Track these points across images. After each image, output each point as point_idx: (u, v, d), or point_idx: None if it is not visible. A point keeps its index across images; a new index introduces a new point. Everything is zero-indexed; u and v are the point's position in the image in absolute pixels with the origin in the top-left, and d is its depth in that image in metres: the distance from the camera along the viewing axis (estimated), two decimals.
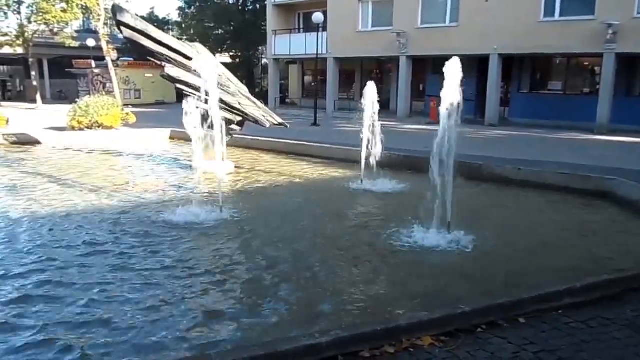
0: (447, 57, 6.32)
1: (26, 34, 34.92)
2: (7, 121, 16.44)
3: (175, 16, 48.49)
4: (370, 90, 9.40)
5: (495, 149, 14.86)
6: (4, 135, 14.87)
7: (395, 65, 27.70)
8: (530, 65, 24.92)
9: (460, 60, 6.09)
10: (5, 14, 34.54)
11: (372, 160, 9.32)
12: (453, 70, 5.97)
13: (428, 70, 27.39)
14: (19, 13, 34.75)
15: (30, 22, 34.83)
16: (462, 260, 5.57)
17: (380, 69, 31.26)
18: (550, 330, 3.91)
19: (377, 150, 9.32)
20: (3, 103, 26.21)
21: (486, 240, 6.07)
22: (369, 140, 9.35)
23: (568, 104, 23.01)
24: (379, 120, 9.41)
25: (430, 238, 6.03)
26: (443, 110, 6.04)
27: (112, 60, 32.74)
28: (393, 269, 5.38)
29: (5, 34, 35.02)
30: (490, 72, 22.94)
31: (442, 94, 6.04)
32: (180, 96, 10.20)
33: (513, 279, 5.08)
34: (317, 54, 24.79)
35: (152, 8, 61.33)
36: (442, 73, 6.04)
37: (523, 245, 6.23)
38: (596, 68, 22.85)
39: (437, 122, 6.25)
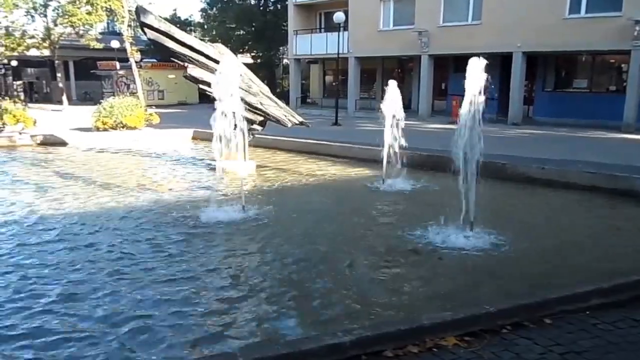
0: (470, 56, 6.25)
1: (52, 37, 35.62)
2: (35, 122, 16.78)
3: (197, 17, 49.05)
4: (392, 89, 9.34)
5: (519, 147, 14.63)
6: (31, 136, 15.20)
7: (416, 64, 27.53)
8: (555, 63, 24.55)
9: (483, 58, 6.02)
10: (32, 17, 35.30)
11: (394, 160, 9.28)
12: (476, 69, 5.89)
13: (450, 69, 27.18)
14: (46, 16, 35.49)
15: (56, 25, 35.52)
16: (486, 259, 5.51)
17: (401, 68, 31.11)
18: (577, 332, 3.84)
19: (399, 150, 9.28)
20: (30, 104, 26.69)
21: (510, 240, 5.99)
22: (390, 140, 9.29)
23: (594, 102, 22.59)
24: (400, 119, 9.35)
25: (453, 237, 5.98)
26: (465, 109, 5.96)
27: (136, 62, 33.17)
28: (416, 269, 5.33)
29: (32, 37, 35.77)
30: (514, 70, 22.65)
31: (465, 92, 5.97)
32: (203, 97, 10.28)
33: (538, 279, 5.01)
34: (338, 54, 24.77)
35: (175, 9, 62.13)
36: (465, 72, 5.98)
37: (548, 244, 6.13)
38: (623, 65, 22.41)
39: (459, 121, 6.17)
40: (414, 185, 9.21)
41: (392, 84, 9.36)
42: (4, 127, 15.38)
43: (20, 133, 15.48)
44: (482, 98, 5.91)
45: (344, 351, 3.37)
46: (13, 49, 35.57)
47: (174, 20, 43.74)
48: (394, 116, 9.21)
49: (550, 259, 5.60)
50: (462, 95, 6.05)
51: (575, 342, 3.68)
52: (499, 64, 23.26)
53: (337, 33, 24.97)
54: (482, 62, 5.86)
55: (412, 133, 9.39)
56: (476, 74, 5.84)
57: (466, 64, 6.00)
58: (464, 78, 5.98)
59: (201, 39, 16.80)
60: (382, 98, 9.64)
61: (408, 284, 4.93)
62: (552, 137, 18.31)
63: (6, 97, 19.57)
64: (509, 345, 3.63)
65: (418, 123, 22.10)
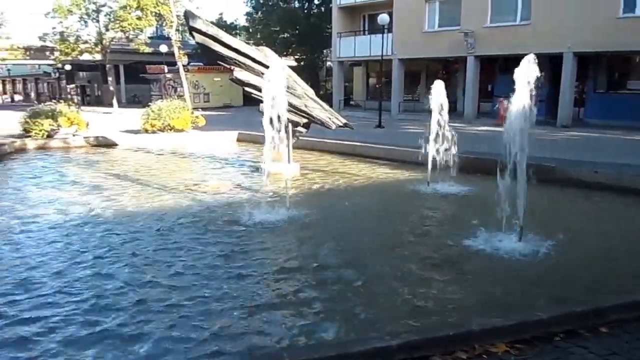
0: (517, 57, 6.12)
1: (104, 41, 36.85)
2: (87, 125, 17.34)
3: (242, 21, 49.77)
4: (438, 89, 9.17)
5: (569, 150, 14.18)
6: (84, 138, 15.75)
7: (462, 65, 27.11)
8: (607, 64, 23.68)
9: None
10: (85, 22, 36.59)
11: (439, 162, 9.15)
12: (526, 70, 5.75)
13: (496, 70, 26.63)
14: (98, 21, 36.74)
15: (108, 30, 36.74)
16: (536, 265, 5.37)
17: (446, 70, 30.65)
18: (634, 341, 3.70)
19: (445, 152, 9.12)
20: (83, 107, 27.68)
21: (561, 245, 5.80)
22: (435, 142, 9.14)
23: None
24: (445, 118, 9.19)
25: (502, 242, 5.86)
26: (514, 110, 5.82)
27: (183, 65, 33.91)
28: (463, 274, 5.24)
29: (85, 42, 37.10)
30: (564, 71, 22.00)
31: (515, 93, 5.82)
32: (247, 99, 10.41)
33: (591, 285, 4.87)
34: (382, 55, 24.66)
35: (221, 14, 62.99)
36: (513, 73, 5.84)
37: (601, 250, 5.94)
38: None
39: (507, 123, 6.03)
40: (459, 189, 9.03)
41: (439, 84, 9.23)
42: (58, 129, 15.94)
43: (73, 135, 16.04)
44: (533, 99, 5.76)
45: (391, 354, 3.35)
46: (67, 54, 37.02)
47: (220, 23, 44.50)
48: (439, 118, 9.08)
49: (602, 266, 5.44)
50: (509, 97, 5.92)
51: (632, 352, 3.54)
52: (548, 65, 22.59)
53: (381, 35, 24.86)
54: (533, 62, 5.73)
55: (458, 135, 9.23)
56: (527, 74, 5.71)
57: (513, 65, 5.88)
58: (512, 79, 5.85)
59: (246, 42, 17.00)
60: (426, 99, 9.50)
61: (456, 289, 4.85)
62: (604, 140, 17.67)
63: (60, 100, 20.28)
64: (562, 353, 3.53)
65: (463, 125, 21.74)
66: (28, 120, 15.95)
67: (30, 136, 15.54)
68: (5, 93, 70.30)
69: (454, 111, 23.74)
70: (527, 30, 22.70)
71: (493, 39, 23.83)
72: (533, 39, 21.63)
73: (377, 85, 32.27)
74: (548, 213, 7.43)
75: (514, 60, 5.89)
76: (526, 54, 5.93)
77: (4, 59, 37.75)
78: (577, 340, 3.69)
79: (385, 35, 24.92)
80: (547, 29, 21.78)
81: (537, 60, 5.76)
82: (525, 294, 4.69)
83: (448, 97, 9.23)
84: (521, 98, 5.78)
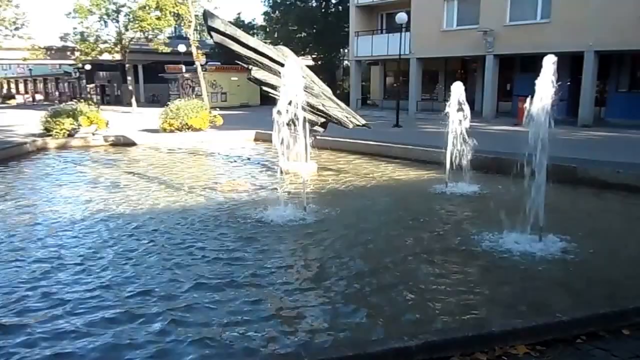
0: (537, 55, 6.03)
1: (123, 41, 37.26)
2: (107, 124, 17.54)
3: (260, 20, 49.93)
4: (457, 90, 9.06)
5: (590, 150, 13.97)
6: (104, 137, 15.93)
7: (480, 64, 26.88)
8: (630, 63, 23.30)
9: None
10: (105, 22, 37.05)
11: (458, 162, 9.04)
12: (548, 69, 5.66)
13: (516, 69, 26.37)
14: (117, 21, 37.17)
15: (127, 30, 37.15)
16: (557, 267, 5.29)
17: (464, 69, 30.44)
18: None
19: (463, 152, 9.00)
20: (102, 107, 28.01)
21: (582, 247, 5.73)
22: (454, 142, 9.05)
23: None
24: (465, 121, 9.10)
25: (522, 243, 5.77)
26: (534, 109, 5.74)
27: (201, 65, 34.13)
28: (482, 275, 5.17)
29: (105, 42, 37.55)
30: (585, 70, 21.68)
31: (536, 93, 5.74)
32: (264, 99, 10.45)
33: (613, 288, 4.77)
34: (399, 55, 24.56)
35: (239, 13, 63.42)
36: (532, 72, 5.76)
37: (623, 252, 5.82)
38: None
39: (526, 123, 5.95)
40: (478, 189, 8.94)
41: (458, 86, 9.15)
42: (79, 128, 16.14)
43: (93, 134, 16.24)
44: (554, 98, 5.68)
45: (410, 355, 3.31)
46: (87, 54, 37.54)
47: (238, 23, 44.72)
48: (457, 117, 9.00)
49: (625, 267, 5.34)
50: (529, 96, 5.84)
51: None
52: (568, 64, 22.35)
53: (398, 34, 24.74)
54: (554, 61, 5.65)
55: (476, 135, 9.13)
56: (549, 73, 5.63)
57: (533, 64, 5.82)
58: (531, 78, 5.77)
59: (264, 42, 17.05)
60: (444, 99, 9.39)
61: (474, 290, 4.78)
62: (626, 140, 17.38)
63: (81, 100, 20.54)
64: (584, 356, 3.47)
65: (482, 125, 21.54)
66: (49, 119, 16.18)
67: (51, 135, 15.76)
68: (27, 92, 71.47)
69: (472, 110, 23.49)
70: (547, 28, 22.43)
71: (512, 38, 23.59)
72: (553, 37, 21.37)
73: (394, 85, 32.15)
74: (569, 213, 7.33)
75: (534, 59, 5.80)
76: (547, 53, 5.86)
77: (25, 59, 38.31)
78: (599, 343, 3.61)
79: (403, 34, 24.79)
80: (568, 27, 21.49)
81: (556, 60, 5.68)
82: (546, 295, 4.62)
83: (466, 96, 9.13)
84: (541, 97, 5.71)
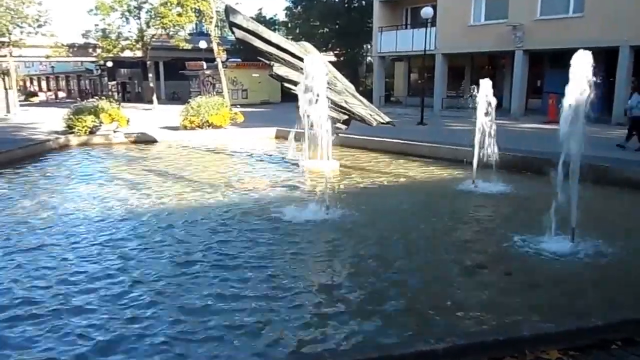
0: (569, 51, 5.73)
1: (145, 38, 37.26)
2: (128, 121, 17.36)
3: (282, 16, 49.67)
4: (485, 87, 8.73)
5: (625, 149, 13.52)
6: (125, 134, 15.75)
7: (509, 60, 26.12)
8: None
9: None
10: (127, 19, 37.07)
11: (486, 161, 8.73)
12: (581, 64, 5.39)
13: (546, 65, 25.55)
14: (139, 18, 37.16)
15: (148, 27, 37.13)
16: (589, 269, 5.09)
17: (492, 65, 29.63)
18: None
19: (491, 151, 8.71)
20: (123, 104, 27.99)
21: (616, 249, 5.48)
22: (481, 140, 8.74)
23: None
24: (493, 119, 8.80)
25: (553, 245, 5.59)
26: (566, 107, 5.47)
27: (222, 62, 33.92)
28: (513, 277, 4.96)
29: (127, 39, 37.62)
30: (620, 65, 20.87)
31: (567, 90, 5.45)
32: (285, 96, 10.21)
33: None
34: (424, 50, 23.95)
35: (260, 9, 63.30)
36: (564, 68, 5.40)
37: None
38: None
39: (556, 121, 5.59)
40: (506, 188, 8.64)
41: (486, 83, 8.75)
42: (100, 125, 16.01)
43: (114, 131, 16.07)
44: (590, 95, 5.38)
45: (437, 359, 3.22)
46: (109, 51, 37.65)
47: (259, 19, 44.56)
48: (486, 115, 8.61)
49: None
50: (560, 93, 5.58)
51: None
52: (602, 60, 21.48)
53: (424, 29, 24.18)
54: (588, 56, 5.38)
55: (505, 133, 8.72)
56: (583, 69, 5.36)
57: (564, 59, 5.42)
58: (563, 74, 5.50)
59: (285, 38, 16.73)
60: (470, 96, 9.06)
61: (504, 292, 4.60)
62: None
63: (102, 97, 20.46)
64: None
65: (510, 122, 20.90)
66: (71, 116, 16.07)
67: (73, 132, 15.63)
68: (49, 90, 72.36)
69: (500, 107, 22.86)
70: (579, 22, 21.61)
71: (543, 33, 22.82)
72: (586, 32, 20.57)
73: (419, 81, 31.57)
74: (602, 214, 7.09)
75: (566, 55, 5.38)
76: (579, 48, 5.65)
77: (48, 56, 38.57)
78: (635, 349, 3.45)
79: (428, 29, 24.21)
80: (602, 21, 20.68)
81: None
82: (579, 299, 4.45)
83: (494, 93, 8.75)
84: (574, 94, 5.44)
